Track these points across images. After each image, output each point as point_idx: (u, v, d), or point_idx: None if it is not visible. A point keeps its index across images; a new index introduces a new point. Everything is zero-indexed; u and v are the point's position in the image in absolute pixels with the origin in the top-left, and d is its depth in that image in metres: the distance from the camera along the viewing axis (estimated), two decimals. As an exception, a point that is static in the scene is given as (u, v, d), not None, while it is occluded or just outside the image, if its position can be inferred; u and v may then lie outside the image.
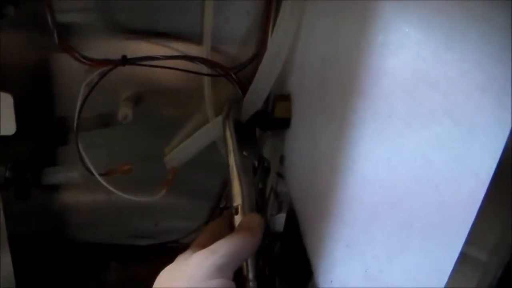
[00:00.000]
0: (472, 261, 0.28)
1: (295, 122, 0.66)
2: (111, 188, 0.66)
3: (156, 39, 0.66)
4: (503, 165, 0.26)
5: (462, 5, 0.30)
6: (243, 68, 0.68)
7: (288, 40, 0.59)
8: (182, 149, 0.73)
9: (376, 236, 0.41)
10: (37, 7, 0.59)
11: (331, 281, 0.50)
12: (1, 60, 0.61)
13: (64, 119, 0.69)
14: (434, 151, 0.32)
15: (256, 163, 0.61)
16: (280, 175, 0.73)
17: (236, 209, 0.55)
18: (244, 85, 0.67)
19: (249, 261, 0.51)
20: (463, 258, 0.28)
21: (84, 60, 0.62)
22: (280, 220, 0.79)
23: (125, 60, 0.62)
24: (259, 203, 0.57)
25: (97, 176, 0.65)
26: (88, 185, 0.70)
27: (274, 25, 0.63)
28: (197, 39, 0.66)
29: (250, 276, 0.51)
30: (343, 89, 0.49)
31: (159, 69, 0.63)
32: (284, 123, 0.67)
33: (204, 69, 0.66)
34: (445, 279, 0.30)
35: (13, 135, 0.59)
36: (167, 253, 0.50)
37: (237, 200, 0.56)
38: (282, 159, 0.72)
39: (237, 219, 0.55)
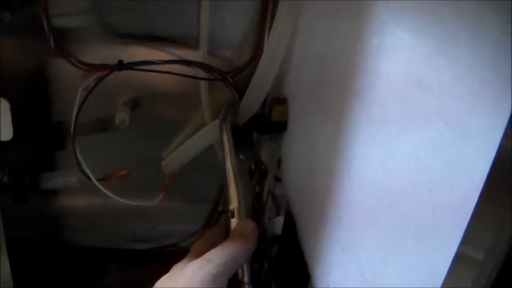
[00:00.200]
0: (467, 260, 0.28)
1: (292, 125, 0.66)
2: (109, 193, 0.66)
3: (153, 43, 0.67)
4: (498, 165, 0.26)
5: (452, 7, 0.31)
6: (240, 72, 0.68)
7: (285, 41, 0.60)
8: (180, 153, 0.73)
9: (372, 239, 0.41)
10: (33, 12, 0.59)
11: (328, 285, 0.50)
12: (-1, 65, 0.62)
13: (61, 123, 0.69)
14: (428, 155, 0.32)
15: (253, 167, 0.61)
16: (277, 179, 0.73)
17: (232, 212, 0.55)
18: (241, 89, 0.67)
19: (245, 265, 0.51)
20: (459, 258, 0.28)
21: (80, 65, 0.62)
22: (278, 223, 0.79)
23: (121, 65, 0.62)
24: (256, 207, 0.57)
25: (95, 181, 0.65)
26: (85, 189, 0.70)
27: (270, 27, 0.63)
28: (193, 43, 0.66)
29: (246, 279, 0.51)
30: (339, 92, 0.49)
31: (156, 73, 0.63)
32: (281, 127, 0.67)
33: (200, 73, 0.67)
34: (439, 281, 0.30)
35: (10, 139, 0.59)
36: (165, 257, 0.50)
37: (234, 203, 0.56)
38: (279, 162, 0.72)
39: (234, 222, 0.55)
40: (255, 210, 0.56)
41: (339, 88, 0.49)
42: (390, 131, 0.38)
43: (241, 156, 0.60)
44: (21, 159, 0.70)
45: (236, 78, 0.68)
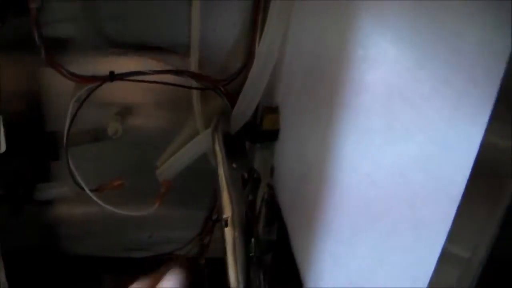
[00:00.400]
0: (453, 258, 0.28)
1: (283, 133, 0.66)
2: (103, 204, 0.67)
3: (144, 53, 0.67)
4: (480, 166, 0.26)
5: (432, 19, 0.31)
6: (231, 81, 0.68)
7: (276, 49, 0.60)
8: (174, 162, 0.73)
9: (359, 248, 0.41)
10: (24, 24, 0.59)
11: (319, 293, 0.50)
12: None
13: (55, 134, 0.69)
14: (410, 167, 0.33)
15: (246, 175, 0.61)
16: (270, 186, 0.73)
17: (226, 221, 0.56)
18: (232, 98, 0.67)
19: (239, 272, 0.51)
20: (445, 256, 0.28)
21: (71, 77, 0.62)
22: (274, 230, 0.79)
23: (112, 76, 0.62)
24: (249, 215, 0.57)
25: (89, 192, 0.65)
26: (81, 198, 0.70)
27: (261, 35, 0.63)
28: (185, 52, 0.66)
29: (241, 286, 0.52)
30: (326, 101, 0.49)
31: (148, 83, 0.64)
32: (272, 135, 0.67)
33: (192, 82, 0.67)
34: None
35: (4, 151, 0.59)
36: (162, 264, 0.50)
37: (227, 212, 0.56)
38: (272, 170, 0.72)
39: (227, 231, 0.55)
40: (248, 219, 0.57)
41: (326, 97, 0.49)
42: (374, 142, 0.38)
43: (234, 165, 0.60)
44: (15, 171, 0.70)
45: (228, 86, 0.68)
